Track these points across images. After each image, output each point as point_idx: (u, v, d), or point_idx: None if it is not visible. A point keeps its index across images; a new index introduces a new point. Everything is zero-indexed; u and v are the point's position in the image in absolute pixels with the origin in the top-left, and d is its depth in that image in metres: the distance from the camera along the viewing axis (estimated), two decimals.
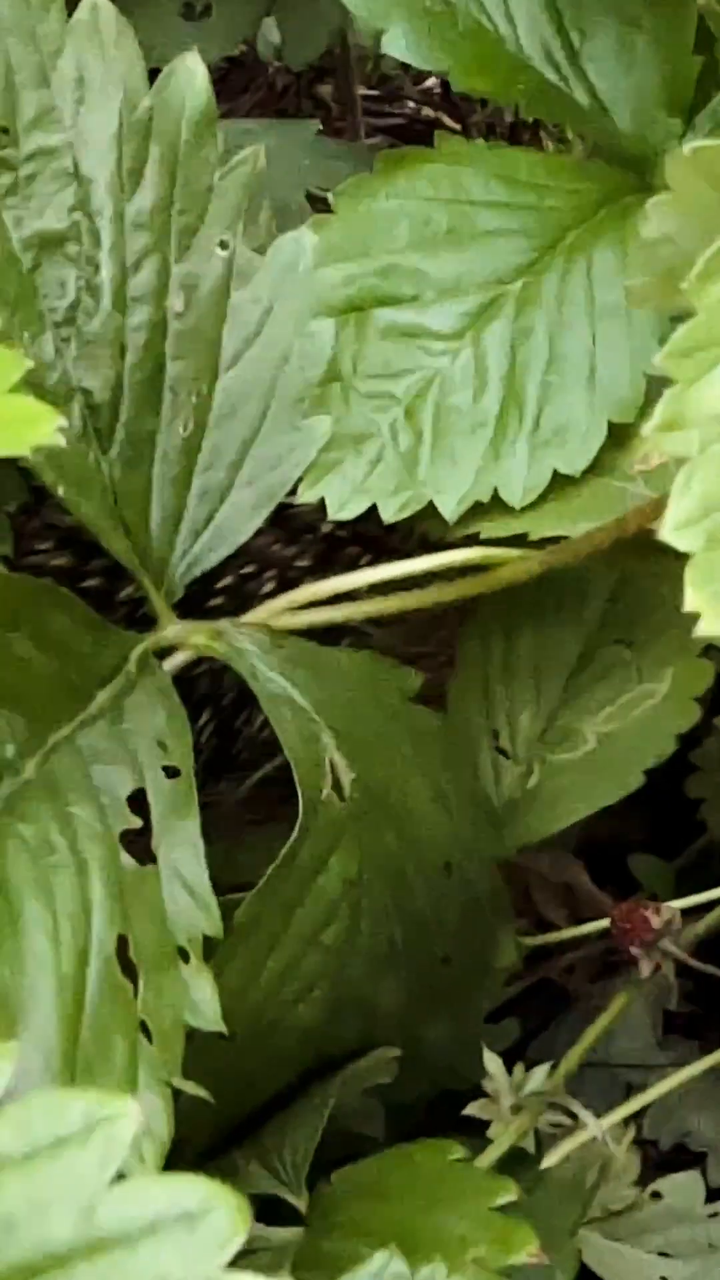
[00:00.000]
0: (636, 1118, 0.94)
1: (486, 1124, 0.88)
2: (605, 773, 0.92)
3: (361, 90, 1.46)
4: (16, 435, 0.56)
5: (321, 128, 1.13)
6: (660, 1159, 0.99)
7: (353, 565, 0.89)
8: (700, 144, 0.60)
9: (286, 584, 0.88)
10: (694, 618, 0.55)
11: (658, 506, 0.74)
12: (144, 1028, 0.68)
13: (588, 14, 0.90)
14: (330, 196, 0.86)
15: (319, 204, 1.01)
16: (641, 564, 0.86)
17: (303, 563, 0.89)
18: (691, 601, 0.55)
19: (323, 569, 0.89)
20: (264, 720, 0.81)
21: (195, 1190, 0.43)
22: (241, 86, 1.42)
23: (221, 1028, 0.69)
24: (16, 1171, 0.43)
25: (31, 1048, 0.64)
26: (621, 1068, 1.03)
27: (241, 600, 0.87)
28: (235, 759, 0.91)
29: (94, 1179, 0.43)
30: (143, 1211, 0.43)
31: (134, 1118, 0.44)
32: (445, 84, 1.60)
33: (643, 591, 0.92)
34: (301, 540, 0.89)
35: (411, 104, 1.61)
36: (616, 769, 0.92)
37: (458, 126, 1.58)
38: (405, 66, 1.59)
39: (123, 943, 0.69)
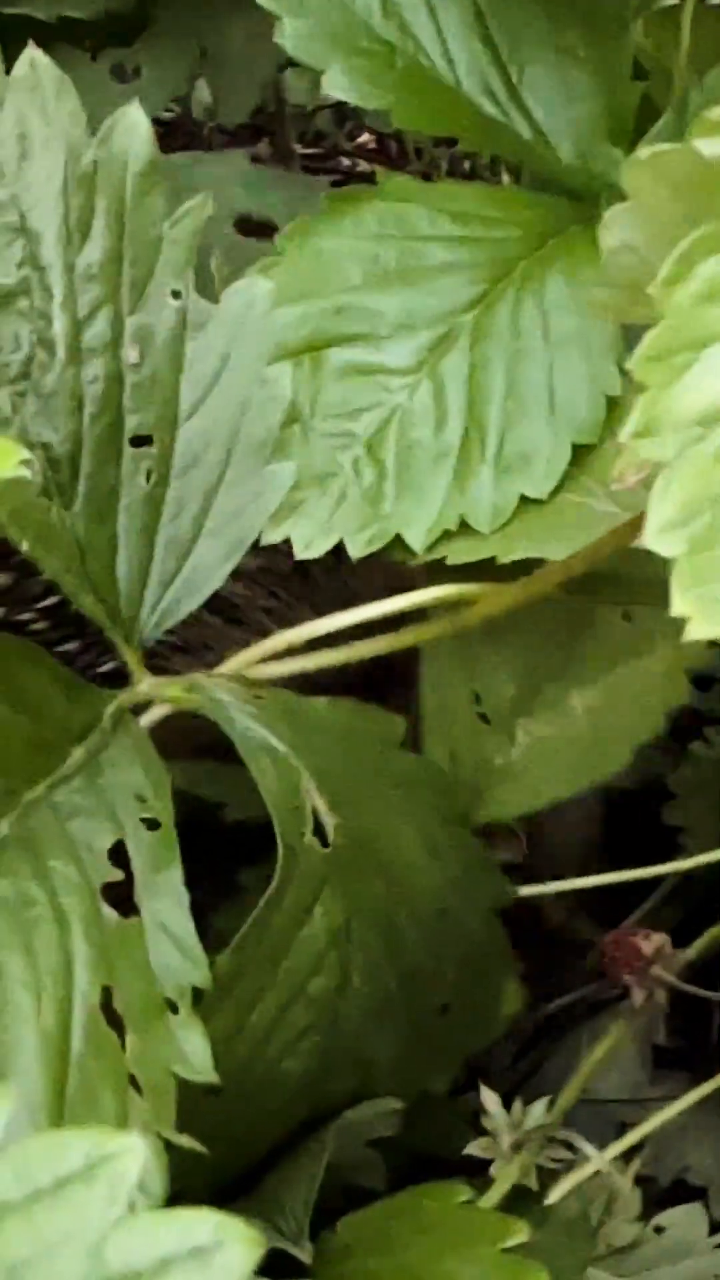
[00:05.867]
0: (635, 1153, 0.92)
1: (487, 1163, 0.86)
2: (592, 749, 0.90)
3: (298, 148, 1.46)
4: None
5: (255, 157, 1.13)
6: (660, 1195, 0.98)
7: None
8: (658, 148, 0.59)
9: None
10: None
11: (632, 528, 0.74)
12: (133, 1081, 0.66)
13: (524, 46, 0.90)
14: (276, 240, 0.85)
15: (254, 232, 1.00)
16: None
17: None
18: (679, 606, 0.54)
19: None
20: None
21: (206, 1224, 0.42)
22: (179, 147, 1.42)
23: (213, 1078, 0.68)
24: (19, 1216, 0.42)
25: (16, 1101, 0.63)
26: (613, 1103, 1.02)
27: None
28: None
29: (101, 1219, 0.42)
30: (153, 1249, 0.41)
31: (138, 1154, 0.43)
32: (380, 138, 1.61)
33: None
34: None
35: (345, 160, 1.61)
36: (604, 745, 0.90)
37: None
38: (340, 123, 1.61)
39: (107, 995, 0.68)
